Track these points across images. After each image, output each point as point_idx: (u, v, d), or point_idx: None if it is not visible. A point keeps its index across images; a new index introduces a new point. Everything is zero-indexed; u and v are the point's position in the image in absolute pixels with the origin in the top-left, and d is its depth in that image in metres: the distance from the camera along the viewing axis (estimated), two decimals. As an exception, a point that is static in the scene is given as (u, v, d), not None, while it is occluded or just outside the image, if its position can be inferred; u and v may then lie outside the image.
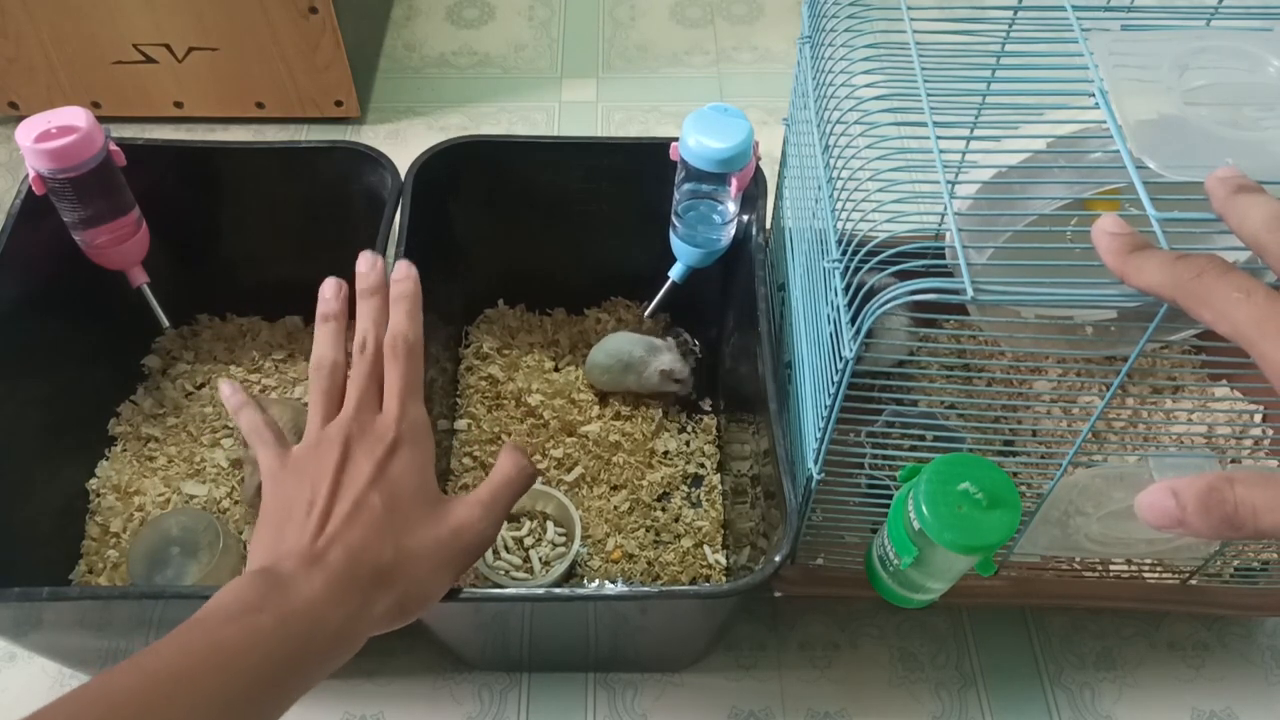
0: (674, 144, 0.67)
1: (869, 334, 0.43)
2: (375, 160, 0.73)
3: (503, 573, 0.71)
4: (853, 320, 0.44)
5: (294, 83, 1.01)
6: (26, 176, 0.67)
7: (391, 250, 0.69)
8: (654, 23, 1.21)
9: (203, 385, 0.83)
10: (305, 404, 0.60)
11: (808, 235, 0.59)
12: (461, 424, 0.80)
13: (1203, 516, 0.32)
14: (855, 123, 0.51)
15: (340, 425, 0.48)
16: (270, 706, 0.40)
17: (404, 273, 0.54)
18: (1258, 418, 0.69)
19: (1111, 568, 0.65)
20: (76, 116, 0.65)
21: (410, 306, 0.52)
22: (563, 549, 0.72)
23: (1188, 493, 0.33)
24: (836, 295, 0.47)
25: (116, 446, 0.78)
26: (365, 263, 0.54)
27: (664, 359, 0.78)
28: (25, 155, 0.65)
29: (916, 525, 0.48)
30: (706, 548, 0.74)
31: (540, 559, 0.72)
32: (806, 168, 0.59)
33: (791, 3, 1.23)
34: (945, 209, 0.45)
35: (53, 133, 0.64)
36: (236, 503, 0.75)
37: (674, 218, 0.71)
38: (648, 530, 0.75)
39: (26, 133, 0.64)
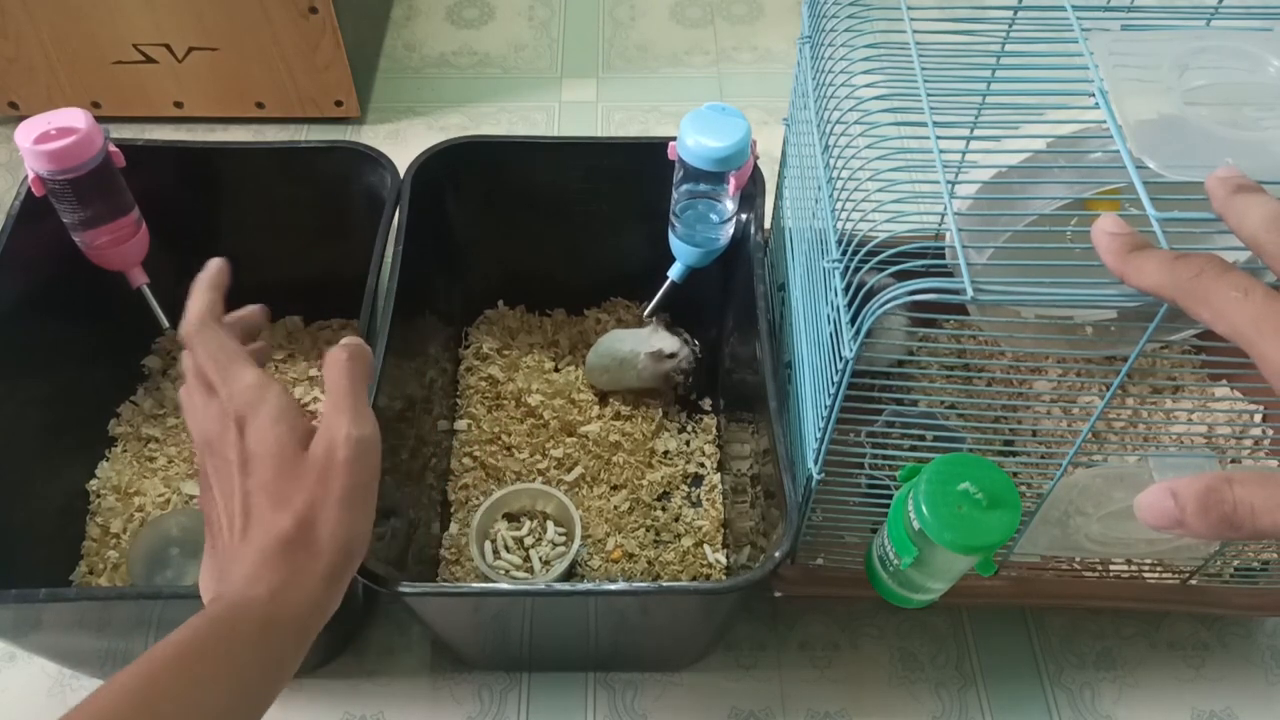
0: (671, 143, 0.67)
1: (869, 334, 0.43)
2: (375, 160, 0.73)
3: (503, 572, 0.71)
4: (853, 320, 0.44)
5: (294, 83, 1.01)
6: (26, 177, 0.67)
7: (391, 250, 0.69)
8: (654, 23, 1.21)
9: (203, 385, 0.83)
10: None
11: (808, 235, 0.59)
12: (461, 424, 0.80)
13: (1202, 517, 0.32)
14: (855, 123, 0.51)
15: (201, 436, 0.49)
16: (232, 707, 0.41)
17: (207, 267, 0.54)
18: (1258, 418, 0.69)
19: (1111, 568, 0.65)
20: (76, 118, 0.65)
21: (194, 294, 0.52)
22: (563, 548, 0.72)
23: (1187, 493, 0.33)
24: (836, 295, 0.47)
25: (116, 447, 0.78)
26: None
27: (651, 342, 0.77)
28: (25, 157, 0.65)
29: (916, 525, 0.48)
30: (706, 547, 0.74)
31: (540, 558, 0.72)
32: (806, 168, 0.59)
33: (791, 3, 1.23)
34: (945, 209, 0.45)
35: (52, 134, 0.64)
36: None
37: (672, 217, 0.71)
38: (648, 530, 0.75)
39: (26, 134, 0.64)
